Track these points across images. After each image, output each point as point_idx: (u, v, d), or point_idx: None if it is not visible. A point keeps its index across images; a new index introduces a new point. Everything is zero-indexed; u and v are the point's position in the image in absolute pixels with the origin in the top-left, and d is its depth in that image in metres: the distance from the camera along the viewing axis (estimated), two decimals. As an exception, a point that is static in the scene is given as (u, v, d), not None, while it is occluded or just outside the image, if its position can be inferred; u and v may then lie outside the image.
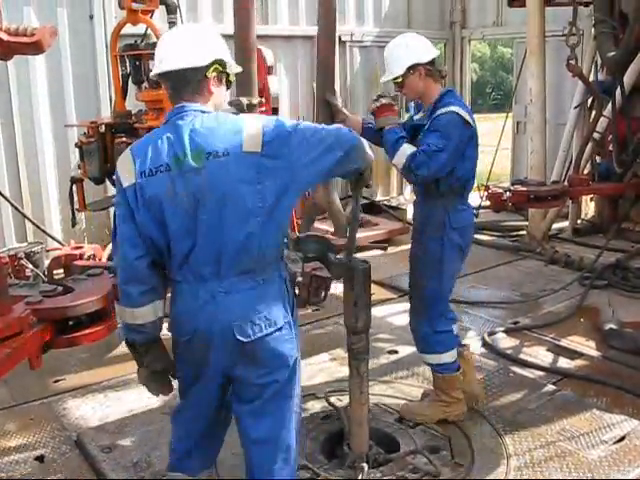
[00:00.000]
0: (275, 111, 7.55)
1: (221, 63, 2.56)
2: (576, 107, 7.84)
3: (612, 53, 6.00)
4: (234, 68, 2.65)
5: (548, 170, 8.03)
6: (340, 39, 9.16)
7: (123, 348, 4.99)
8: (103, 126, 5.12)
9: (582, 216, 8.84)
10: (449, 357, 3.94)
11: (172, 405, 4.13)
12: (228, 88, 2.67)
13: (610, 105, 6.92)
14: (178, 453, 2.87)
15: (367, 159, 2.73)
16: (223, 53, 2.58)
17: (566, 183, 6.23)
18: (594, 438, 3.85)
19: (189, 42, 2.52)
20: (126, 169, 2.50)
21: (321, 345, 5.11)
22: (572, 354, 4.98)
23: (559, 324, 5.51)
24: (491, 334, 5.22)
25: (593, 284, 6.30)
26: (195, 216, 2.44)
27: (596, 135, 7.27)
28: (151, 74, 2.66)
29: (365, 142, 2.73)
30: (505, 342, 5.17)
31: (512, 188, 5.76)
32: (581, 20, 7.60)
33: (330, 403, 4.12)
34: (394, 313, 5.79)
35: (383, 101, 3.85)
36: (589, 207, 9.03)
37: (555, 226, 8.32)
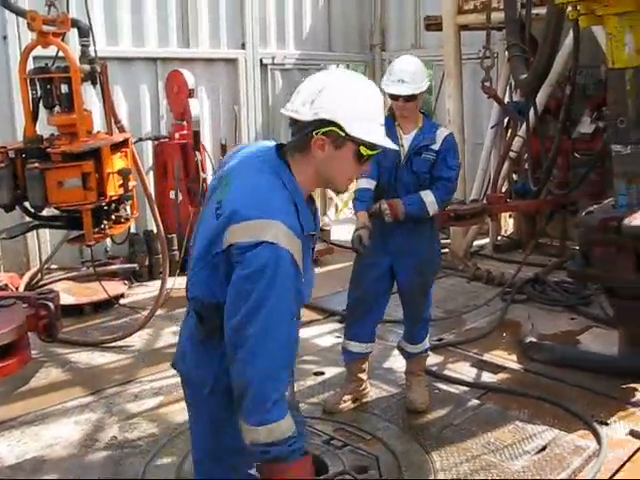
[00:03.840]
0: (196, 134, 7.52)
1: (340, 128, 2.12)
2: (493, 127, 8.07)
3: (524, 76, 6.20)
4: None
5: (468, 189, 8.24)
6: (262, 62, 9.24)
7: (39, 381, 4.89)
8: (13, 151, 4.95)
9: (502, 233, 9.09)
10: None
11: (94, 437, 4.06)
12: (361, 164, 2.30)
13: (524, 125, 7.17)
14: None
15: None
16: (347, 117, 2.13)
17: (485, 201, 6.40)
18: (517, 449, 3.95)
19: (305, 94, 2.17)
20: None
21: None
22: (495, 368, 5.10)
23: (482, 339, 5.63)
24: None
25: (513, 299, 6.47)
26: None
27: (512, 154, 7.51)
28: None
29: None
30: (430, 359, 5.19)
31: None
32: (495, 44, 7.88)
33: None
34: (320, 334, 5.81)
35: (385, 205, 4.12)
36: (508, 224, 9.30)
37: (476, 243, 8.52)
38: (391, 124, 4.08)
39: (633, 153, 4.47)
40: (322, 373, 5.03)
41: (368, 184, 4.16)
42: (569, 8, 4.72)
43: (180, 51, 8.41)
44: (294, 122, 2.16)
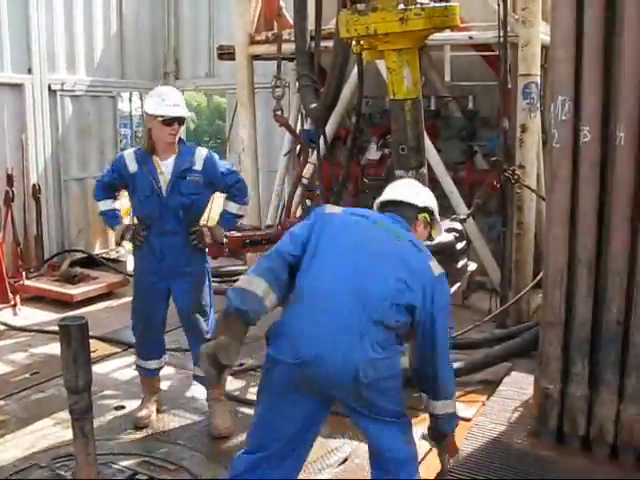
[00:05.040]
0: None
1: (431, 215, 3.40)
2: (285, 154, 8.33)
3: (314, 105, 6.47)
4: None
5: (263, 215, 8.41)
6: (50, 88, 8.78)
7: None
8: None
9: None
10: None
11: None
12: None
13: (315, 152, 7.47)
14: None
15: None
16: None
17: (279, 227, 6.57)
18: (321, 463, 4.10)
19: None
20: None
21: (42, 410, 4.78)
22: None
23: (282, 361, 5.73)
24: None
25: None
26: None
27: (305, 180, 7.77)
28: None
29: None
30: (232, 384, 5.23)
31: (228, 234, 5.94)
32: (287, 74, 8.16)
33: (55, 472, 3.85)
34: (119, 368, 5.63)
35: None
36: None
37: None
38: (144, 154, 4.40)
39: (414, 178, 4.83)
40: (123, 407, 4.87)
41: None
42: (354, 42, 5.01)
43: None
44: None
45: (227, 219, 4.63)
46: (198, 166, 4.41)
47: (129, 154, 4.49)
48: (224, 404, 4.64)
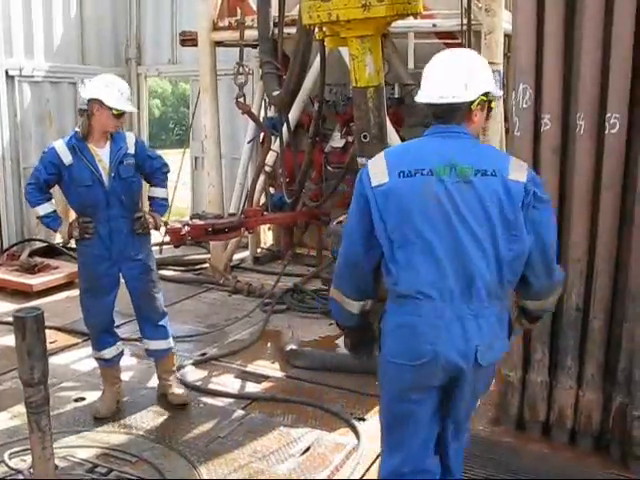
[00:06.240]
0: None
1: (486, 95, 2.72)
2: (249, 142, 8.26)
3: (276, 92, 6.42)
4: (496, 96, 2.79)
5: (228, 203, 8.34)
6: (7, 74, 8.54)
7: None
8: None
9: (262, 245, 9.31)
10: None
11: None
12: (488, 118, 2.88)
13: (278, 140, 7.42)
14: None
15: None
16: (490, 84, 2.73)
17: (242, 215, 6.52)
18: (283, 454, 4.07)
19: (464, 75, 2.66)
20: (379, 169, 2.65)
21: (-1, 404, 4.68)
22: (259, 378, 5.19)
23: (245, 351, 5.71)
24: (179, 368, 5.18)
25: (274, 309, 6.63)
26: (445, 225, 2.56)
27: (268, 168, 7.72)
28: (417, 99, 2.77)
29: None
30: (194, 374, 5.21)
31: (190, 222, 5.88)
32: (250, 60, 8.08)
33: (10, 467, 3.76)
34: (79, 359, 5.51)
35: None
36: (268, 236, 9.55)
37: (237, 256, 8.63)
38: (83, 144, 4.38)
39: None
40: (83, 399, 4.78)
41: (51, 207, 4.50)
42: (317, 29, 4.95)
43: None
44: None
45: (160, 204, 4.77)
46: (131, 150, 4.51)
47: (60, 146, 4.39)
48: (176, 375, 4.87)
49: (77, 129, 4.44)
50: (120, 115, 4.35)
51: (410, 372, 2.69)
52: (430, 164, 2.61)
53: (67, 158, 4.33)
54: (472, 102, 2.69)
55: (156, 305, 4.69)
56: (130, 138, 4.56)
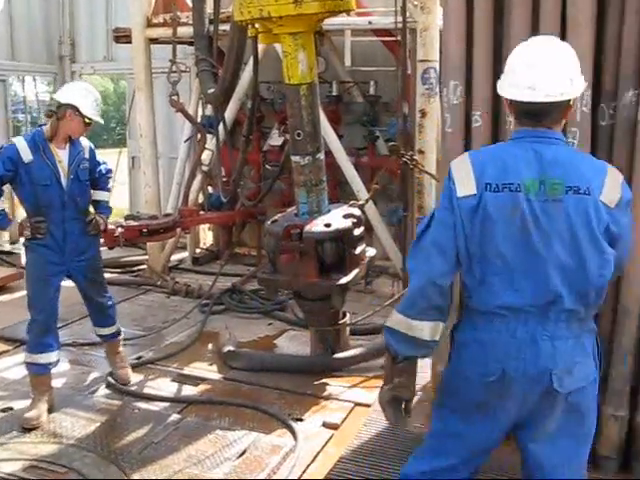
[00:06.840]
0: None
1: None
2: (186, 141, 8.14)
3: (212, 90, 6.32)
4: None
5: (166, 202, 8.19)
6: None
7: None
8: None
9: (201, 245, 9.18)
10: None
11: None
12: None
13: (215, 139, 7.31)
14: None
15: None
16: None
17: (178, 215, 6.41)
18: (219, 457, 3.99)
19: (569, 67, 2.41)
20: (465, 177, 2.41)
21: None
22: (196, 381, 5.09)
23: (182, 353, 5.60)
24: (112, 374, 5.06)
25: (212, 310, 6.53)
26: (528, 246, 2.35)
27: (205, 167, 7.62)
28: (510, 96, 2.45)
29: None
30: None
31: (124, 224, 5.75)
32: (187, 58, 7.95)
33: None
34: (8, 367, 5.32)
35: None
36: (207, 236, 9.43)
37: (176, 257, 8.50)
38: (46, 143, 4.41)
39: (310, 163, 4.78)
40: (10, 409, 4.60)
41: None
42: (250, 26, 4.88)
43: None
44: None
45: (107, 207, 4.90)
46: (86, 154, 4.64)
47: (21, 143, 4.36)
48: (123, 355, 5.10)
49: (41, 128, 4.47)
50: (89, 124, 4.48)
51: (477, 388, 2.50)
52: (519, 177, 2.36)
53: (27, 156, 4.33)
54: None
55: (104, 293, 4.85)
56: (85, 143, 4.66)
